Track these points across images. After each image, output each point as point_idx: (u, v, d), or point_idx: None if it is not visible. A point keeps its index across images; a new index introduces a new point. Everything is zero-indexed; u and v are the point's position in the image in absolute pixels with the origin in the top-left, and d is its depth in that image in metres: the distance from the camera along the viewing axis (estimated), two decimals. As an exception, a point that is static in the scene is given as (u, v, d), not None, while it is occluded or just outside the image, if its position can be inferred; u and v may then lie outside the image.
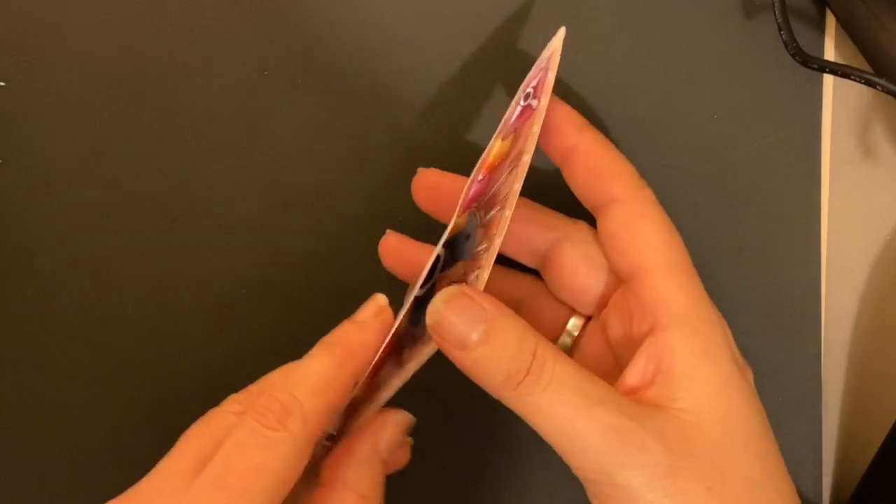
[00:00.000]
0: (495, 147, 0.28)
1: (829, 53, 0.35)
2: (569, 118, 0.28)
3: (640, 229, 0.27)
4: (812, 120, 0.35)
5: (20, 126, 0.31)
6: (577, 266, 0.29)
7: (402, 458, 0.28)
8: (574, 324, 0.30)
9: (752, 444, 0.25)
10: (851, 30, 0.33)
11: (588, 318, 0.30)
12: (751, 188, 0.34)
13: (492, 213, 0.28)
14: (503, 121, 0.28)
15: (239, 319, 0.32)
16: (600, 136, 0.28)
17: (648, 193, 0.27)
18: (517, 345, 0.24)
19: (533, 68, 0.27)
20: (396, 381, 0.26)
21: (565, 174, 0.29)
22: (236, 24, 0.32)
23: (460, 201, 0.28)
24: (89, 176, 0.32)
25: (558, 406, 0.24)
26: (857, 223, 0.35)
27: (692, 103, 0.34)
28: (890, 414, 0.33)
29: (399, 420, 0.27)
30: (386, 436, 0.26)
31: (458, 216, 0.28)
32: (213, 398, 0.32)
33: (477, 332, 0.24)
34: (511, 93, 0.33)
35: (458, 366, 0.25)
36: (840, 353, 0.36)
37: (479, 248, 0.28)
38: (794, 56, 0.32)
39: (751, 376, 0.27)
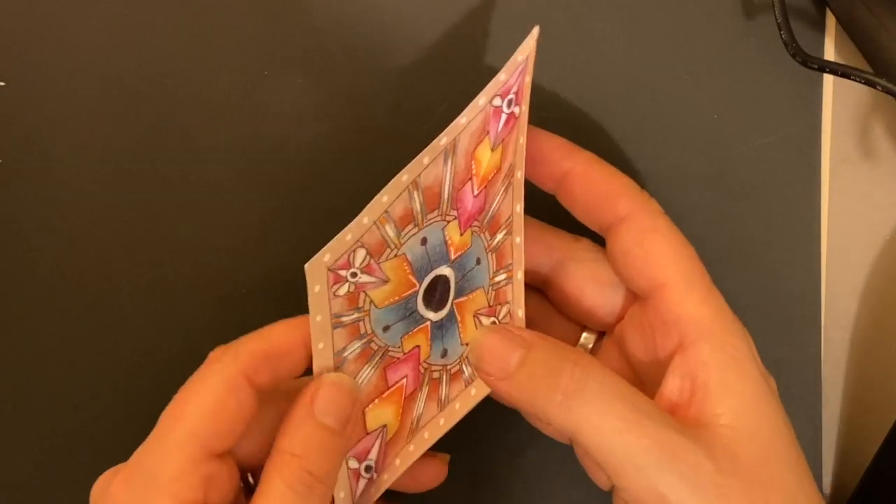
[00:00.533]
0: (485, 158, 0.27)
1: (829, 53, 0.35)
2: (555, 145, 0.28)
3: (653, 245, 0.26)
4: (812, 120, 0.35)
5: (20, 126, 0.31)
6: (584, 286, 0.29)
7: (431, 475, 0.28)
8: (587, 338, 0.30)
9: (786, 456, 0.25)
10: (851, 30, 0.33)
11: (601, 333, 0.30)
12: (751, 188, 0.34)
13: (498, 237, 0.27)
14: (474, 121, 0.26)
15: (239, 319, 0.32)
16: (591, 156, 0.28)
17: (655, 206, 0.27)
18: (557, 361, 0.24)
19: (506, 69, 0.26)
20: (444, 423, 0.26)
21: (562, 200, 0.28)
22: (236, 24, 0.32)
23: (456, 215, 0.27)
24: (89, 176, 0.32)
25: (607, 418, 0.24)
26: (857, 223, 0.35)
27: (692, 103, 0.34)
28: (890, 414, 0.33)
29: (336, 380, 0.25)
30: (321, 397, 0.25)
31: (461, 234, 0.27)
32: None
33: (516, 358, 0.25)
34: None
35: (507, 398, 0.26)
36: (840, 353, 0.36)
37: (500, 279, 0.28)
38: (794, 56, 0.32)
39: (774, 385, 0.27)
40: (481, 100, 0.26)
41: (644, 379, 0.28)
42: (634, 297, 0.28)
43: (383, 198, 0.25)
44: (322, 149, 0.32)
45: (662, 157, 0.34)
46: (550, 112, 0.33)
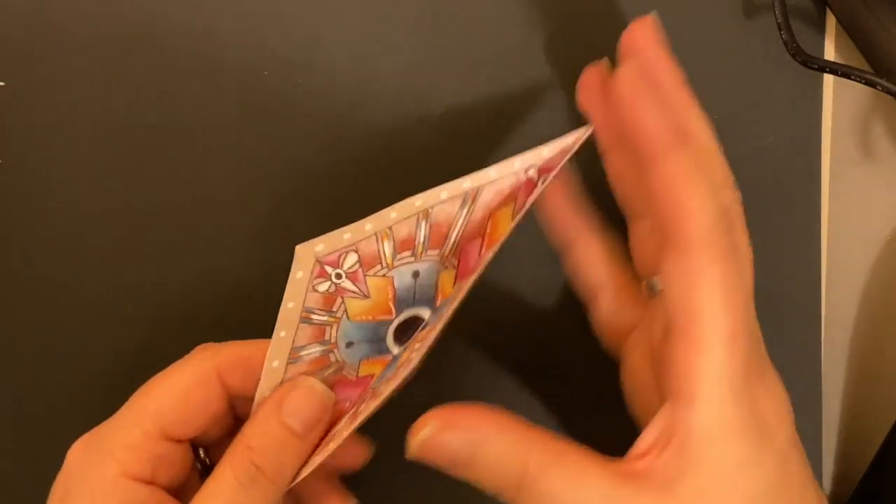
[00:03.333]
0: (502, 224, 0.26)
1: (829, 53, 0.35)
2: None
3: (697, 291, 0.23)
4: (812, 120, 0.35)
5: (20, 126, 0.31)
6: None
7: (355, 456, 0.28)
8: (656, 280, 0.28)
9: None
10: (851, 30, 0.33)
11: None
12: (751, 188, 0.34)
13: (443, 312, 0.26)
14: (503, 181, 0.26)
15: (239, 320, 0.32)
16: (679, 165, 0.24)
17: (718, 244, 0.23)
18: (505, 465, 0.24)
19: (551, 147, 0.25)
20: (373, 405, 0.26)
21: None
22: (236, 24, 0.32)
23: (456, 265, 0.27)
24: (89, 176, 0.32)
25: None
26: (857, 223, 0.35)
27: (692, 103, 0.34)
28: (890, 414, 0.33)
29: (311, 386, 0.26)
30: (293, 398, 0.25)
31: (453, 285, 0.27)
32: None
33: (464, 454, 0.24)
34: (511, 92, 0.33)
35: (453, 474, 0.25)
36: (840, 353, 0.36)
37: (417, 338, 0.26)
38: (794, 56, 0.32)
39: (787, 431, 0.25)
40: (517, 163, 0.25)
41: (657, 374, 0.27)
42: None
43: (391, 213, 0.25)
44: (322, 149, 0.32)
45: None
46: (548, 113, 0.33)
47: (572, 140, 0.26)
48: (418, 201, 0.25)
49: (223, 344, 0.27)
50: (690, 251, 0.23)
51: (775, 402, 0.24)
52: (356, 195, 0.33)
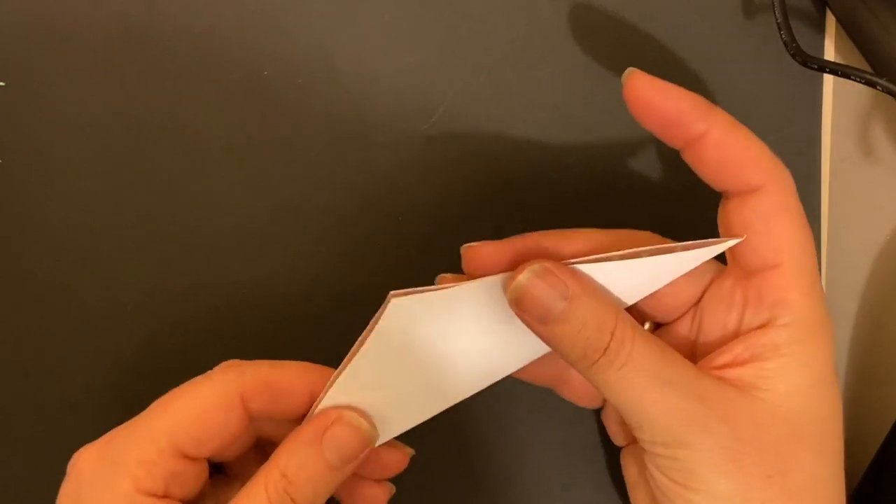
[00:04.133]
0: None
1: (829, 53, 0.35)
2: (690, 106, 0.26)
3: (777, 225, 0.26)
4: (812, 120, 0.35)
5: (20, 126, 0.31)
6: (678, 281, 0.28)
7: (396, 462, 0.28)
8: (647, 327, 0.30)
9: (823, 446, 0.26)
10: (851, 30, 0.33)
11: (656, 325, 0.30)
12: (751, 188, 0.34)
13: None
14: None
15: (239, 320, 0.32)
16: (728, 120, 0.26)
17: (788, 181, 0.26)
18: (596, 324, 0.25)
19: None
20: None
21: (688, 159, 0.27)
22: (236, 24, 0.32)
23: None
24: (89, 176, 0.32)
25: (629, 385, 0.25)
26: (857, 223, 0.35)
27: (692, 103, 0.34)
28: (890, 414, 0.33)
29: (354, 422, 0.25)
30: (335, 433, 0.25)
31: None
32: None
33: (558, 308, 0.25)
34: (509, 93, 0.33)
35: (539, 337, 0.26)
36: (840, 354, 0.36)
37: None
38: (794, 56, 0.32)
39: (839, 387, 0.27)
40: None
41: (704, 352, 0.27)
42: (715, 277, 0.28)
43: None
44: (322, 149, 0.32)
45: (662, 157, 0.34)
46: (548, 112, 0.33)
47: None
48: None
49: (249, 363, 0.26)
50: (768, 189, 0.26)
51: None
52: (357, 195, 0.33)
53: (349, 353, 0.26)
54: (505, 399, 0.33)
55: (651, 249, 0.26)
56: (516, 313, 0.25)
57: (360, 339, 0.26)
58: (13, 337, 0.31)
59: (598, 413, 0.33)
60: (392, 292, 0.25)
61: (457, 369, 0.27)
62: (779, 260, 0.26)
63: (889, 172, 0.35)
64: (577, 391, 0.31)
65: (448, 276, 0.29)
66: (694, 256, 0.27)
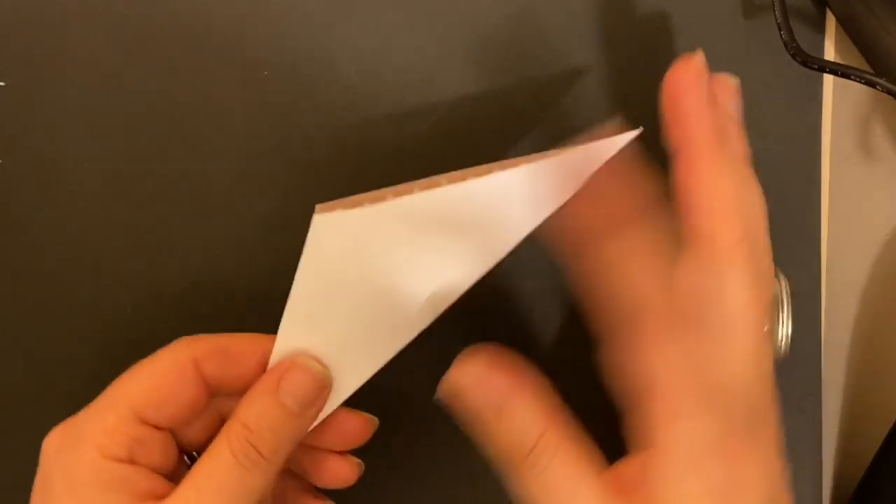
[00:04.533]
0: None
1: (829, 53, 0.35)
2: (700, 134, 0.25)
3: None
4: (812, 120, 0.35)
5: (20, 126, 0.31)
6: None
7: (359, 431, 0.28)
8: None
9: None
10: (851, 30, 0.33)
11: None
12: (751, 188, 0.34)
13: None
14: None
15: (239, 320, 0.32)
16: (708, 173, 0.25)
17: (736, 249, 0.24)
18: (523, 430, 0.25)
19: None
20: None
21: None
22: (236, 23, 0.32)
23: None
24: (89, 176, 0.32)
25: (544, 494, 0.25)
26: (857, 223, 0.35)
27: (692, 103, 0.34)
28: (890, 414, 0.33)
29: (307, 366, 0.26)
30: (289, 378, 0.25)
31: None
32: (213, 398, 0.32)
33: (490, 410, 0.25)
34: (509, 93, 0.33)
35: (469, 430, 0.26)
36: (840, 353, 0.36)
37: None
38: (794, 56, 0.32)
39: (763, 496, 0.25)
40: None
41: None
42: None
43: (413, 189, 0.25)
44: (322, 149, 0.32)
45: (662, 157, 0.34)
46: (549, 113, 0.33)
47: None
48: (443, 180, 0.25)
49: (205, 335, 0.27)
50: (713, 256, 0.23)
51: (756, 470, 0.25)
52: (358, 193, 0.33)
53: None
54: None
55: (553, 152, 0.25)
56: (451, 406, 0.26)
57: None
58: (13, 337, 0.31)
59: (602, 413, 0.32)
60: (318, 205, 0.24)
61: (405, 295, 0.26)
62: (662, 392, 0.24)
63: (889, 172, 0.35)
64: None
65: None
66: (595, 149, 0.25)
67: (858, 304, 0.35)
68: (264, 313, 0.32)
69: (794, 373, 0.34)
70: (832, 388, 0.35)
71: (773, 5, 0.32)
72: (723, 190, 0.24)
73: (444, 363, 0.27)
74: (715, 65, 0.34)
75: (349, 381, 0.26)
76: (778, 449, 0.25)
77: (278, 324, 0.32)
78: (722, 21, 0.34)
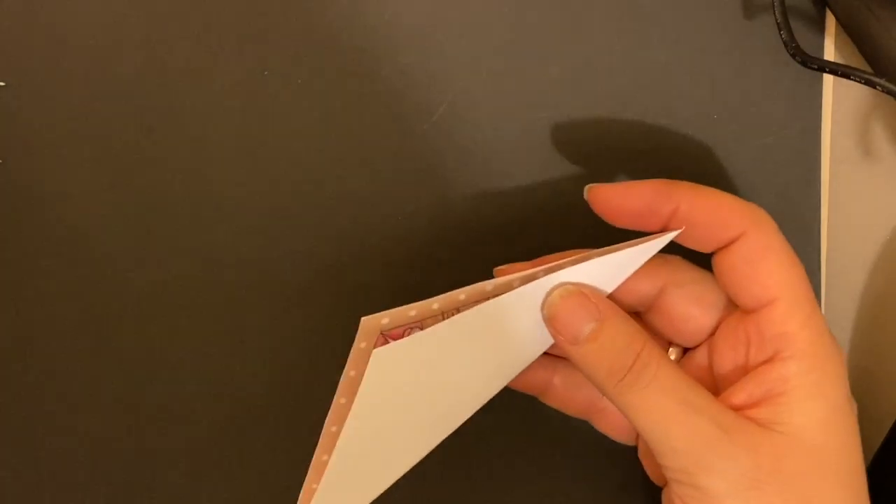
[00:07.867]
0: None
1: (829, 53, 0.35)
2: (656, 190, 0.27)
3: (765, 265, 0.27)
4: (812, 120, 0.35)
5: (20, 126, 0.31)
6: (690, 310, 0.29)
7: None
8: (673, 351, 0.30)
9: (844, 478, 0.26)
10: (851, 30, 0.33)
11: (684, 349, 0.30)
12: (751, 188, 0.34)
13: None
14: None
15: (240, 319, 0.32)
16: (692, 189, 0.27)
17: (767, 224, 0.27)
18: (624, 344, 0.26)
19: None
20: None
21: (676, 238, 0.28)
22: (236, 24, 0.32)
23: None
24: (89, 176, 0.32)
25: (654, 408, 0.25)
26: (857, 223, 0.35)
27: (692, 104, 0.34)
28: (890, 414, 0.33)
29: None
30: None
31: None
32: (214, 398, 0.32)
33: (588, 328, 0.26)
34: (509, 93, 0.33)
35: (569, 358, 0.27)
36: (840, 353, 0.36)
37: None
38: (794, 56, 0.32)
39: (855, 409, 0.27)
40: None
41: (721, 387, 0.28)
42: (729, 312, 0.28)
43: (461, 296, 0.26)
44: (322, 149, 0.32)
45: (662, 157, 0.34)
46: (549, 113, 0.33)
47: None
48: (489, 286, 0.26)
49: None
50: (748, 234, 0.27)
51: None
52: (357, 194, 0.33)
53: (332, 406, 0.26)
54: (503, 393, 0.33)
55: (600, 251, 0.27)
56: (550, 332, 0.27)
57: (340, 385, 0.25)
58: (13, 336, 0.31)
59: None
60: (363, 318, 0.25)
61: (449, 401, 0.27)
62: (772, 296, 0.26)
63: (889, 172, 0.35)
64: (612, 422, 0.31)
65: (505, 267, 0.29)
66: (640, 251, 0.27)
67: (858, 304, 0.35)
68: (265, 311, 0.32)
69: (795, 373, 0.34)
70: (832, 388, 0.35)
71: (773, 5, 0.32)
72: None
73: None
74: (715, 65, 0.34)
75: (385, 475, 0.27)
76: None
77: (279, 322, 0.32)
78: (722, 21, 0.34)
